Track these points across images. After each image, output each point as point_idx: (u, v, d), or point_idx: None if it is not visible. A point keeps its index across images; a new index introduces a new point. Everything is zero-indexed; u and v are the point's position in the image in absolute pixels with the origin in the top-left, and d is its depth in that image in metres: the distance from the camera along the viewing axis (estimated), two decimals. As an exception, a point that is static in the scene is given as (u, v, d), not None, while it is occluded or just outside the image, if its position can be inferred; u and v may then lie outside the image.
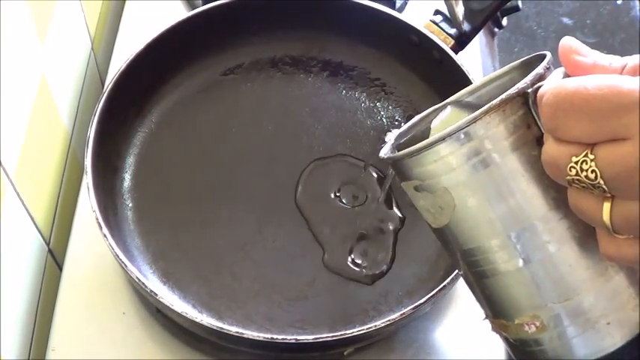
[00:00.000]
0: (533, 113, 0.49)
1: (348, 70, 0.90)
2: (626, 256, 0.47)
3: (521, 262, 0.51)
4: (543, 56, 0.52)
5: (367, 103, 0.89)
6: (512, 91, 0.49)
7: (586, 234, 0.50)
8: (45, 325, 0.78)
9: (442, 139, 0.49)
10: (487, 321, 0.58)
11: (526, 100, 0.49)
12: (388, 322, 0.69)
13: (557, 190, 0.49)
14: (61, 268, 0.81)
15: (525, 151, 0.49)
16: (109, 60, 0.95)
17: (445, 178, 0.51)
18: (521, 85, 0.49)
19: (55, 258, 0.83)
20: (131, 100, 0.84)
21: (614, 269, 0.51)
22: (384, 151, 0.56)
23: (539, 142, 0.49)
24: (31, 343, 0.77)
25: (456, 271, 0.70)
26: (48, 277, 0.81)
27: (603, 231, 0.47)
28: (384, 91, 0.89)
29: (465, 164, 0.50)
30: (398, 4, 0.97)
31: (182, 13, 0.94)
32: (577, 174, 0.46)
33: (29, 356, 0.77)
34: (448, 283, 0.70)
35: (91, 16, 0.96)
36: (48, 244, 0.81)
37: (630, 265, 0.51)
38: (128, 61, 0.81)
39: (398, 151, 0.54)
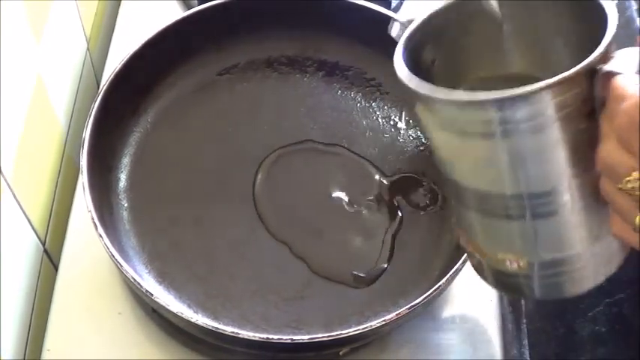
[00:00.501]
0: (595, 90, 0.48)
1: (344, 70, 0.90)
2: (636, 242, 0.49)
3: (527, 216, 0.52)
4: (602, 10, 0.51)
5: (363, 103, 0.89)
6: (584, 65, 0.47)
7: (596, 202, 0.51)
8: (40, 325, 0.78)
9: (497, 100, 0.48)
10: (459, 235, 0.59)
11: (590, 75, 0.48)
12: (384, 322, 0.69)
13: (586, 164, 0.49)
14: (56, 268, 0.81)
15: (574, 124, 0.49)
16: (104, 60, 0.95)
17: (485, 132, 0.50)
18: (592, 59, 0.47)
19: (50, 258, 0.83)
20: (127, 100, 0.84)
21: (609, 232, 0.52)
22: (400, 66, 0.54)
23: (590, 116, 0.48)
24: (27, 344, 0.77)
25: (452, 271, 0.70)
26: (43, 278, 0.81)
27: (626, 223, 0.48)
28: (379, 91, 0.89)
29: (510, 127, 0.49)
30: (394, 4, 0.97)
31: (178, 13, 0.94)
32: (633, 189, 0.46)
33: (25, 356, 0.77)
34: (444, 284, 0.70)
35: (87, 16, 0.96)
36: (44, 244, 0.81)
37: (633, 245, 0.52)
38: (124, 61, 0.81)
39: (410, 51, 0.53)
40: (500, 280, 0.58)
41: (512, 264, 0.55)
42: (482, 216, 0.54)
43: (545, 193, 0.51)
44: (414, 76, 0.53)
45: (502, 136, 0.49)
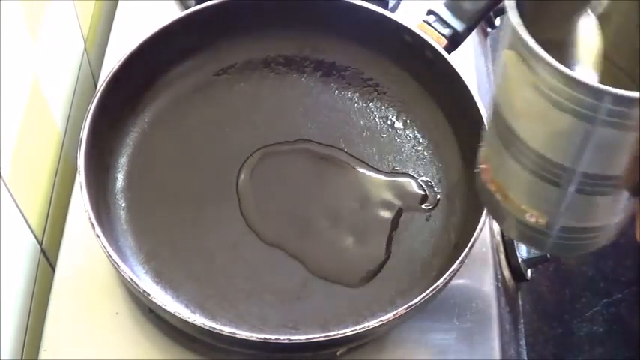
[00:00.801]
0: None
1: (341, 70, 0.90)
2: None
3: (571, 189, 0.56)
4: None
5: (360, 103, 0.89)
6: None
7: (634, 194, 0.55)
8: (38, 325, 0.78)
9: (605, 92, 0.50)
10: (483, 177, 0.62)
11: None
12: (381, 323, 0.69)
13: None
14: (53, 269, 0.81)
15: None
16: (101, 60, 0.95)
17: (575, 110, 0.51)
18: None
19: (47, 258, 0.83)
20: (124, 100, 0.84)
21: (626, 213, 0.58)
22: (512, 8, 0.54)
23: None
24: (24, 343, 0.77)
25: (449, 271, 0.70)
26: (41, 278, 0.81)
27: None
28: (377, 91, 0.89)
29: (600, 117, 0.51)
30: (391, 4, 0.97)
31: (175, 12, 0.94)
32: None
33: (22, 356, 0.77)
34: (441, 284, 0.70)
35: (84, 16, 0.96)
36: (41, 244, 0.81)
37: None
38: (121, 61, 0.81)
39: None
40: (513, 225, 0.61)
41: (532, 218, 0.59)
42: (526, 170, 0.58)
43: (599, 176, 0.55)
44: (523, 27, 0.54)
45: (588, 120, 0.51)
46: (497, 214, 0.63)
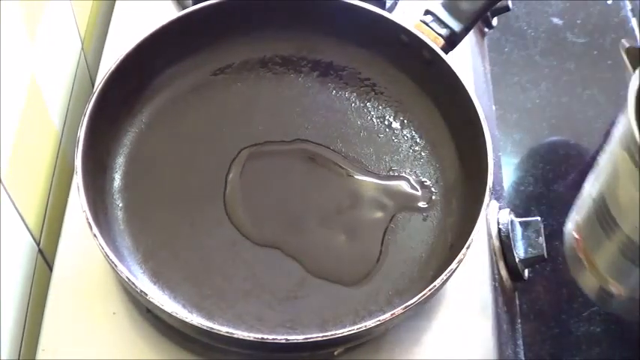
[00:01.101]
0: None
1: (338, 70, 0.90)
2: None
3: None
4: None
5: (357, 103, 0.89)
6: None
7: None
8: (35, 325, 0.78)
9: None
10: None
11: None
12: (378, 322, 0.69)
13: None
14: (51, 268, 0.81)
15: None
16: (99, 60, 0.95)
17: None
18: None
19: (45, 258, 0.83)
20: (121, 100, 0.84)
21: None
22: (632, 112, 0.59)
23: None
24: (22, 343, 0.77)
25: (447, 271, 0.70)
26: (38, 277, 0.81)
27: None
28: (374, 91, 0.89)
29: None
30: (388, 4, 0.97)
31: (172, 13, 0.93)
32: None
33: (19, 356, 0.77)
34: (438, 284, 0.70)
35: (81, 16, 0.96)
36: (38, 244, 0.81)
37: None
38: (118, 61, 0.81)
39: None
40: (594, 289, 0.71)
41: (612, 288, 0.68)
42: (617, 250, 0.64)
43: None
44: None
45: None
46: (581, 277, 0.72)
